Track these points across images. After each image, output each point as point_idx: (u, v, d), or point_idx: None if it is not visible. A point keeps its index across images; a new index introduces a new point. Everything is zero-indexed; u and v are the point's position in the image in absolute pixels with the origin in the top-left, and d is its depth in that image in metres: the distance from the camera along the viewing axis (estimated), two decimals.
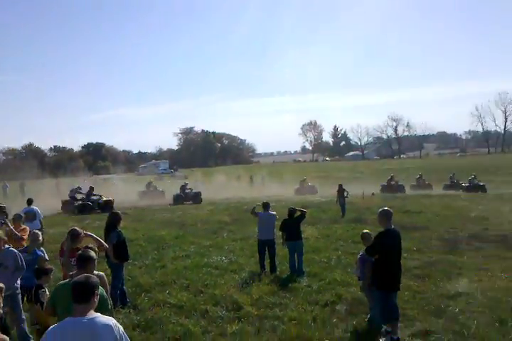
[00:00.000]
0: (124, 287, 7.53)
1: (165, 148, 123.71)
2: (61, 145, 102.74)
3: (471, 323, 5.98)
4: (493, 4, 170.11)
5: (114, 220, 7.69)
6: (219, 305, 7.15)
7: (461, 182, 30.37)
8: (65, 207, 23.34)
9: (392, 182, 31.59)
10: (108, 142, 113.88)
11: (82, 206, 22.58)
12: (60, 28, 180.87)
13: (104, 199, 23.40)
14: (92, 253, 4.36)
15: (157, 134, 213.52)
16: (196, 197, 27.55)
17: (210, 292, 7.79)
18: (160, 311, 6.88)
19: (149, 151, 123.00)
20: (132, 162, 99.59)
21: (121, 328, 3.02)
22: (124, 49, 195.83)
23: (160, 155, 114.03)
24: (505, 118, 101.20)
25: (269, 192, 32.39)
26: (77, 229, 6.05)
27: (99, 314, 3.02)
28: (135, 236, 13.78)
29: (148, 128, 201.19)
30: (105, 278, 5.20)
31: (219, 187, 35.53)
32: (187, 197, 27.64)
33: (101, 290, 3.50)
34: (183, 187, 28.20)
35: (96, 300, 3.08)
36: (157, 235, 14.09)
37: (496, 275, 8.52)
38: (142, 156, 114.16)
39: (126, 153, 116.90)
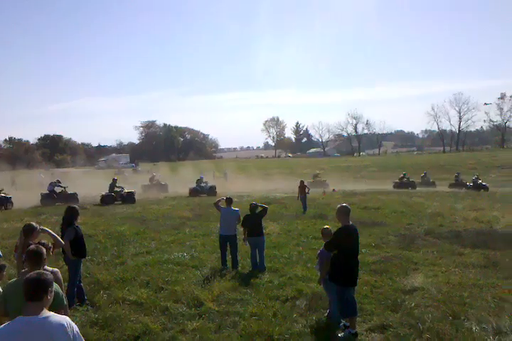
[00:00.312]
0: (82, 284, 7.34)
1: (126, 142, 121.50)
2: (16, 136, 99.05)
3: (426, 317, 6.17)
4: (452, 5, 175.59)
5: (71, 215, 7.46)
6: (180, 301, 7.09)
7: (465, 182, 31.79)
8: (44, 200, 23.22)
9: (404, 179, 33.38)
10: (66, 134, 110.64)
11: (106, 197, 23.41)
12: (16, 16, 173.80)
13: (127, 190, 24.30)
14: (42, 249, 4.20)
15: (117, 127, 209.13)
16: (211, 190, 28.54)
17: (171, 288, 7.71)
18: (119, 308, 6.75)
19: (109, 145, 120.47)
20: (91, 155, 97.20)
21: (75, 327, 2.91)
22: (85, 39, 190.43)
23: (120, 148, 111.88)
24: (460, 118, 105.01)
25: (234, 187, 32.43)
26: (33, 224, 5.82)
27: (52, 313, 2.90)
28: (94, 231, 13.48)
29: (108, 121, 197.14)
30: (59, 274, 5.05)
31: (184, 181, 35.27)
32: (203, 190, 28.67)
33: (55, 286, 3.38)
34: (199, 181, 29.26)
35: (49, 298, 2.96)
36: (117, 231, 13.82)
37: (449, 271, 8.83)
38: (102, 150, 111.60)
39: (85, 146, 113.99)
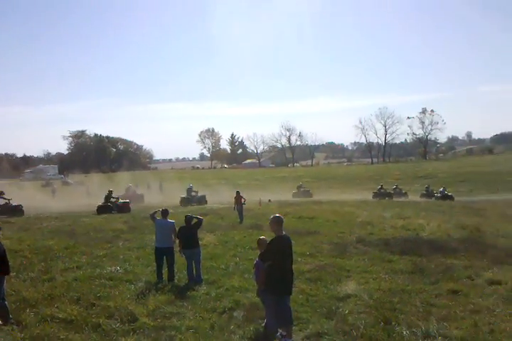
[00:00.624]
0: (6, 302, 6.86)
1: (53, 152, 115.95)
2: None
3: (359, 323, 6.38)
4: (376, 20, 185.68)
5: None
6: (113, 317, 6.83)
7: (435, 192, 33.51)
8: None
9: (382, 190, 35.17)
10: None
11: (103, 207, 23.46)
12: None
13: (122, 201, 24.86)
14: None
15: (44, 137, 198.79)
16: (202, 200, 29.24)
17: (103, 304, 7.42)
18: (47, 327, 6.38)
19: (36, 155, 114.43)
20: (16, 166, 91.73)
21: None
22: (8, 41, 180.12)
23: (48, 159, 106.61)
24: (385, 131, 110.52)
25: (169, 198, 31.89)
26: None
27: None
28: (19, 246, 12.68)
29: (34, 130, 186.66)
30: None
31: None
32: (193, 199, 29.00)
33: None
34: (189, 190, 29.72)
35: None
36: (44, 245, 13.08)
37: (380, 277, 9.22)
38: (28, 160, 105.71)
39: (9, 157, 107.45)
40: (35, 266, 10.50)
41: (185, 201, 28.45)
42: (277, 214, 6.23)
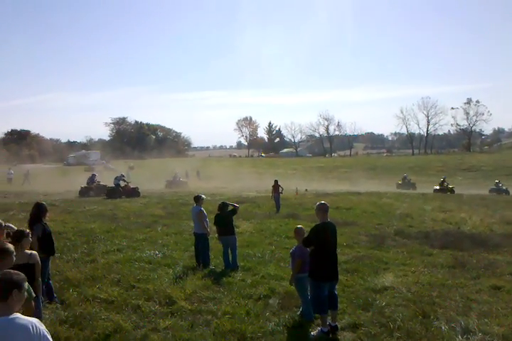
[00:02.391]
0: (51, 282, 7.16)
1: (96, 138, 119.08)
2: None
3: (396, 316, 6.27)
4: (424, 9, 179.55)
5: (38, 212, 7.27)
6: (151, 299, 7.00)
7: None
8: (109, 193, 24.64)
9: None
10: (34, 130, 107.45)
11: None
12: None
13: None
14: (9, 246, 4.10)
15: (87, 123, 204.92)
16: None
17: (143, 287, 7.61)
18: (89, 306, 6.62)
19: (79, 141, 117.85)
20: (60, 151, 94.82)
21: (42, 330, 2.77)
22: (56, 34, 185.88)
23: (90, 145, 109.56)
24: (428, 121, 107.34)
25: (207, 185, 32.33)
26: None
27: (18, 314, 2.77)
28: (63, 229, 13.19)
29: (78, 117, 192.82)
30: (38, 257, 5.17)
31: (156, 179, 35.06)
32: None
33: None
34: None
35: (16, 298, 2.81)
36: (87, 228, 13.55)
37: (418, 271, 9.01)
38: (71, 146, 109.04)
39: (54, 142, 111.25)
40: (78, 247, 10.88)
41: None
42: (323, 202, 6.21)
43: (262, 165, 68.40)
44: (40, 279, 5.25)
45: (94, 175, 26.53)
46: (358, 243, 11.84)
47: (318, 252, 5.93)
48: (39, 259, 5.18)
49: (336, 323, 5.92)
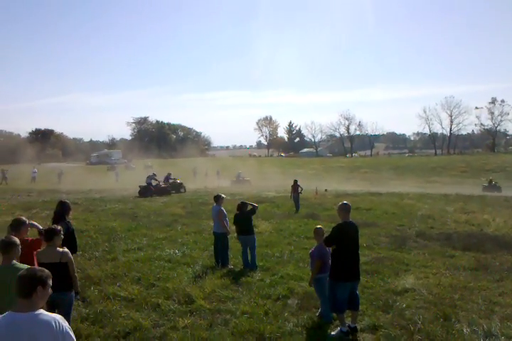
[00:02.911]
0: None
1: (118, 138, 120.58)
2: (7, 129, 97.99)
3: (417, 319, 6.19)
4: (445, 9, 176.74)
5: (62, 210, 7.40)
6: (171, 298, 7.06)
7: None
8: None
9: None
10: (58, 129, 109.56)
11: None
12: (12, 11, 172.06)
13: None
14: (15, 239, 4.32)
15: (109, 123, 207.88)
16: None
17: (162, 285, 7.68)
18: (110, 304, 6.72)
19: (101, 140, 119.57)
20: (83, 151, 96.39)
21: (65, 327, 2.81)
22: (79, 35, 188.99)
23: (112, 144, 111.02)
24: (451, 121, 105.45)
25: (227, 185, 32.44)
26: (22, 218, 5.71)
27: (42, 311, 2.81)
28: (85, 227, 13.41)
29: (100, 117, 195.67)
30: (70, 254, 5.24)
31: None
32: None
33: None
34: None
35: (40, 295, 2.85)
36: (108, 226, 13.75)
37: (440, 273, 8.88)
38: (94, 145, 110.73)
39: (77, 141, 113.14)
40: (99, 245, 11.04)
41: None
42: (345, 202, 6.20)
43: (282, 164, 68.24)
44: (76, 275, 5.34)
45: (154, 174, 26.41)
46: (378, 244, 11.72)
47: (339, 252, 5.90)
48: (71, 256, 5.25)
49: (356, 324, 5.87)
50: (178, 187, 27.49)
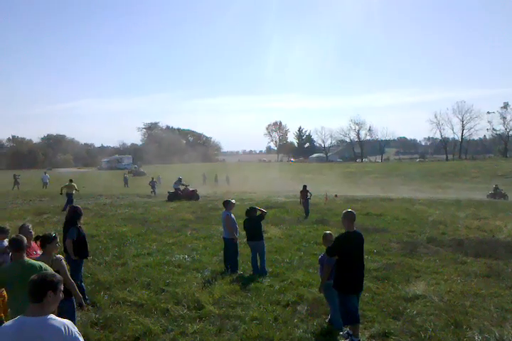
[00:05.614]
0: (83, 284, 7.32)
1: (128, 143, 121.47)
2: (19, 135, 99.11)
3: (427, 326, 6.13)
4: (454, 13, 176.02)
5: (74, 215, 7.48)
6: (180, 303, 7.06)
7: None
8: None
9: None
10: (69, 134, 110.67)
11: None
12: (21, 17, 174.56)
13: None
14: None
15: (120, 128, 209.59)
16: None
17: (172, 290, 7.69)
18: (119, 309, 6.74)
19: (112, 145, 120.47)
20: (94, 156, 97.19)
21: (74, 332, 2.83)
22: (90, 40, 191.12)
23: (123, 150, 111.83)
24: (463, 126, 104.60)
25: (236, 190, 32.41)
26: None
27: (52, 316, 2.84)
28: (96, 232, 13.48)
29: (111, 122, 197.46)
30: (63, 261, 5.17)
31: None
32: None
33: None
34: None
35: (51, 300, 2.88)
36: (118, 231, 13.81)
37: (451, 279, 8.78)
38: (104, 150, 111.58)
39: (88, 147, 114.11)
40: (109, 250, 11.10)
41: None
42: (349, 209, 6.03)
43: (291, 170, 68.16)
44: (72, 282, 5.25)
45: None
46: (388, 250, 11.62)
47: (342, 263, 5.80)
48: (64, 264, 5.11)
49: (359, 338, 5.74)
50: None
